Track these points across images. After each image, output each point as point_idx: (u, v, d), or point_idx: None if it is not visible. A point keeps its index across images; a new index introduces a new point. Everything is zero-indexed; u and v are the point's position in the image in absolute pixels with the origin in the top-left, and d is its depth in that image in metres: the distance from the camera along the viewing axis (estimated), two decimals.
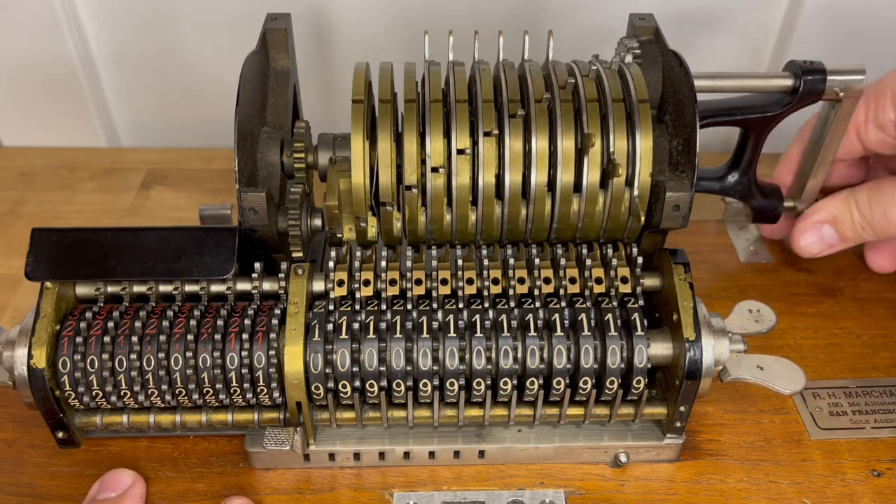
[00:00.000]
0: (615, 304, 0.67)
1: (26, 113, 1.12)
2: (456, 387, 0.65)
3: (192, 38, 1.06)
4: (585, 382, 0.65)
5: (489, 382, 0.66)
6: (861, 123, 0.80)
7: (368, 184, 0.67)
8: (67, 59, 1.06)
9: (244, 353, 0.64)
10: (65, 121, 1.12)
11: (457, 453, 0.70)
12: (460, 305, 0.67)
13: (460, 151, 0.67)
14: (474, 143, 0.67)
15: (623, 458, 0.70)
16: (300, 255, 0.71)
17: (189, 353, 0.64)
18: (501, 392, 0.66)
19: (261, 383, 0.65)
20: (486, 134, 0.66)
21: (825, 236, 0.83)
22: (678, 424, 0.69)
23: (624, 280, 0.67)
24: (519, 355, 0.65)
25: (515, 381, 0.66)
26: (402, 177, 0.68)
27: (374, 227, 0.70)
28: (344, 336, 0.65)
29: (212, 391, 0.65)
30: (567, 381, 0.65)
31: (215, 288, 0.68)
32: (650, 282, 0.69)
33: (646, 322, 0.66)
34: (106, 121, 1.14)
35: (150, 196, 1.04)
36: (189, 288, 0.68)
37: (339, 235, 0.71)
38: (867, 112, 0.80)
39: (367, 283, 0.67)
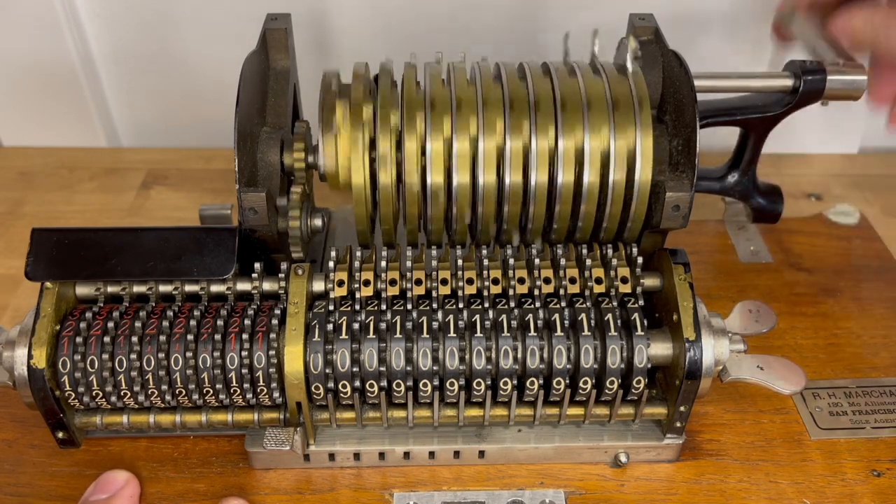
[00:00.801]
0: (615, 304, 0.67)
1: (26, 113, 1.12)
2: (456, 387, 0.65)
3: (192, 39, 1.06)
4: (585, 382, 0.65)
5: (489, 382, 0.65)
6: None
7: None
8: (67, 59, 1.06)
9: (244, 354, 0.64)
10: (65, 121, 1.12)
11: (457, 453, 0.70)
12: (460, 305, 0.67)
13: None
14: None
15: (623, 458, 0.70)
16: (300, 255, 0.71)
17: (189, 354, 0.64)
18: (501, 392, 0.66)
19: (261, 383, 0.65)
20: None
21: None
22: (678, 424, 0.69)
23: (624, 280, 0.67)
24: (519, 355, 0.65)
25: (515, 382, 0.66)
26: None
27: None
28: (344, 336, 0.65)
29: (212, 391, 0.65)
30: (567, 381, 0.65)
31: (215, 288, 0.68)
32: (650, 282, 0.68)
33: (646, 322, 0.66)
34: (106, 121, 1.14)
35: (150, 196, 1.04)
36: (189, 288, 0.68)
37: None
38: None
39: (367, 283, 0.67)
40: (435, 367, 0.65)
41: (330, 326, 0.65)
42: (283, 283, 0.67)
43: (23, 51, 1.06)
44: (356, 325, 0.66)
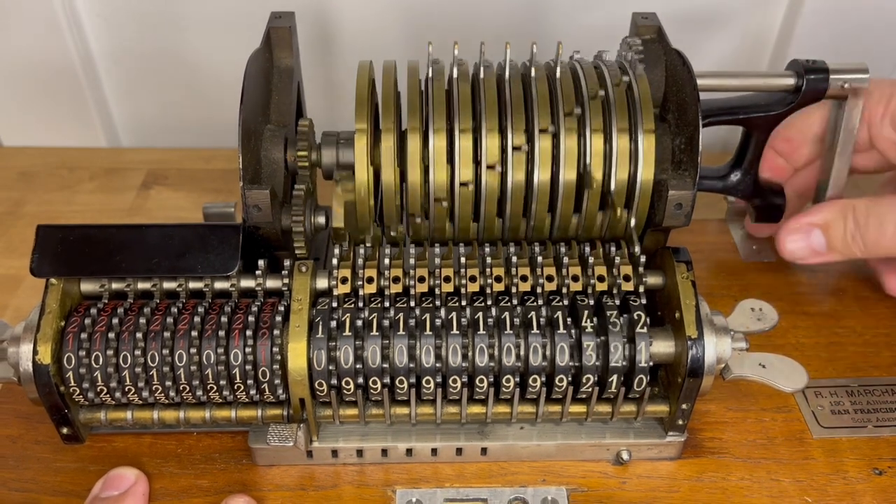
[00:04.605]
0: (617, 301, 0.67)
1: (26, 113, 1.12)
2: (459, 384, 0.65)
3: (193, 38, 1.06)
4: (587, 380, 0.66)
5: (492, 380, 0.66)
6: (877, 117, 0.79)
7: (373, 206, 0.68)
8: (67, 59, 1.06)
9: (248, 350, 0.64)
10: (65, 121, 1.12)
11: (459, 450, 0.70)
12: (463, 303, 0.67)
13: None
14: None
15: (625, 456, 0.70)
16: (304, 252, 0.71)
17: (193, 350, 0.64)
18: (504, 389, 0.66)
19: (264, 380, 0.65)
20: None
21: (813, 242, 0.79)
22: (680, 422, 0.69)
23: (626, 278, 0.67)
24: (521, 353, 0.65)
25: (518, 379, 0.66)
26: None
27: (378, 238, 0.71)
28: (347, 333, 0.65)
29: (215, 387, 0.65)
30: (569, 378, 0.66)
31: (219, 285, 0.68)
32: (652, 280, 0.69)
33: (648, 320, 0.66)
34: (106, 121, 1.14)
35: (150, 196, 1.04)
36: (193, 285, 0.68)
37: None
38: (887, 107, 0.78)
39: (370, 280, 0.67)
40: (438, 365, 0.65)
41: (333, 323, 0.65)
42: (286, 281, 0.67)
43: (23, 51, 1.06)
44: (359, 322, 0.66)
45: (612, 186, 0.67)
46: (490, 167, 0.67)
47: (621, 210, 0.68)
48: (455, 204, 0.68)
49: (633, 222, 0.68)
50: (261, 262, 0.68)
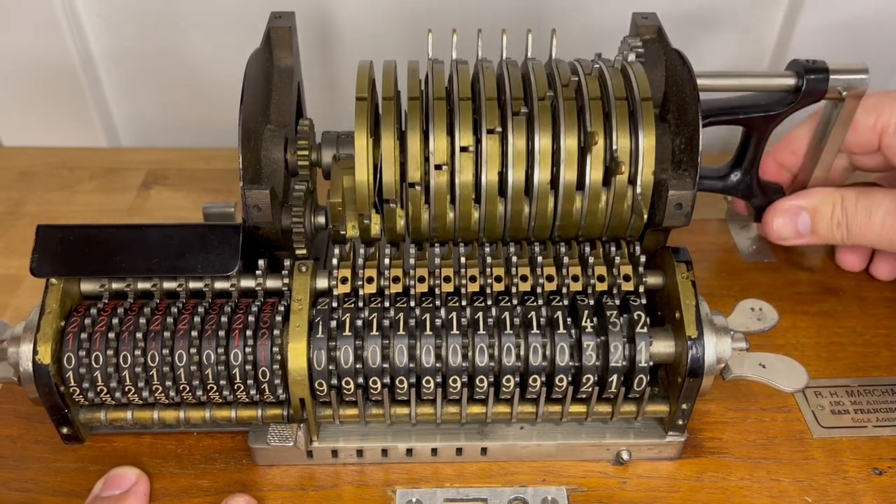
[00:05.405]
0: (617, 301, 0.67)
1: (26, 113, 1.12)
2: (459, 384, 0.65)
3: (193, 38, 1.06)
4: (587, 380, 0.66)
5: (492, 379, 0.66)
6: (891, 127, 0.79)
7: (372, 181, 0.67)
8: (67, 59, 1.06)
9: (248, 350, 0.64)
10: (65, 121, 1.12)
11: (459, 450, 0.70)
12: (463, 303, 0.67)
13: (463, 149, 0.67)
14: (477, 141, 0.67)
15: (625, 456, 0.70)
16: (304, 252, 0.71)
17: (193, 350, 0.64)
18: (504, 389, 0.66)
19: (264, 380, 0.65)
20: (490, 131, 0.66)
21: (799, 224, 0.81)
22: (680, 422, 0.69)
23: (626, 278, 0.67)
24: (521, 352, 0.65)
25: (518, 379, 0.66)
26: (405, 174, 0.68)
27: (377, 224, 0.70)
28: (347, 333, 0.65)
29: (215, 387, 0.65)
30: (569, 378, 0.66)
31: (219, 285, 0.68)
32: (653, 280, 0.69)
33: (648, 320, 0.66)
34: (106, 121, 1.14)
35: (150, 196, 1.04)
36: (193, 285, 0.68)
37: (342, 232, 0.71)
38: None
39: (370, 280, 0.67)
40: (438, 364, 0.65)
41: (333, 323, 0.65)
42: (286, 280, 0.67)
43: (23, 51, 1.06)
44: (359, 322, 0.66)
45: (615, 148, 0.67)
46: (490, 132, 0.67)
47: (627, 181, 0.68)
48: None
49: (638, 189, 0.68)
50: (261, 262, 0.68)
